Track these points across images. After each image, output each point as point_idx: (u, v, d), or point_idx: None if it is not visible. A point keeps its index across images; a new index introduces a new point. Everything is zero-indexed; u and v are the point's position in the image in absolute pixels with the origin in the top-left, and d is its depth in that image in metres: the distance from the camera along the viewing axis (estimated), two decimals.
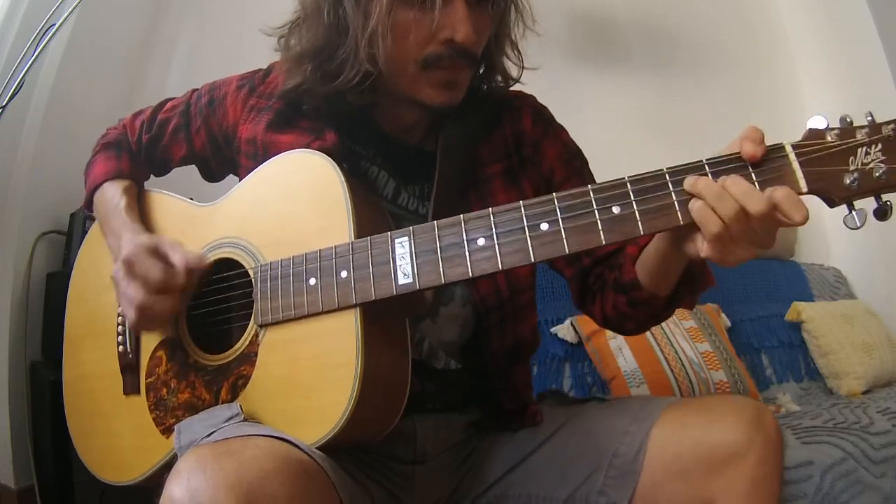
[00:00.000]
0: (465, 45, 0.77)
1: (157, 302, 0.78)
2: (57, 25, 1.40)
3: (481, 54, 0.85)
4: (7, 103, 1.39)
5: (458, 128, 0.89)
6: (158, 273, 0.78)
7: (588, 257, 0.90)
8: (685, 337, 1.86)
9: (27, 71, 1.40)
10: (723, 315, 2.09)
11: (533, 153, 0.92)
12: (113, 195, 0.94)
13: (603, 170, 0.89)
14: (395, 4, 0.76)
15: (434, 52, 0.78)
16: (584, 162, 0.95)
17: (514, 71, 0.92)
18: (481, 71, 0.90)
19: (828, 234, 2.71)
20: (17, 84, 1.39)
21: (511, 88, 0.94)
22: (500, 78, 0.91)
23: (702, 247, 0.64)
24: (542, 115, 0.96)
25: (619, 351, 1.77)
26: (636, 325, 0.86)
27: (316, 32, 0.82)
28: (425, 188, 0.88)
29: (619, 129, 2.44)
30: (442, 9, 0.76)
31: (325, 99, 0.85)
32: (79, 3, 1.39)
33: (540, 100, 0.99)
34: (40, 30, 1.40)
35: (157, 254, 0.80)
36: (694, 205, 0.62)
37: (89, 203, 1.00)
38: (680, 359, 1.79)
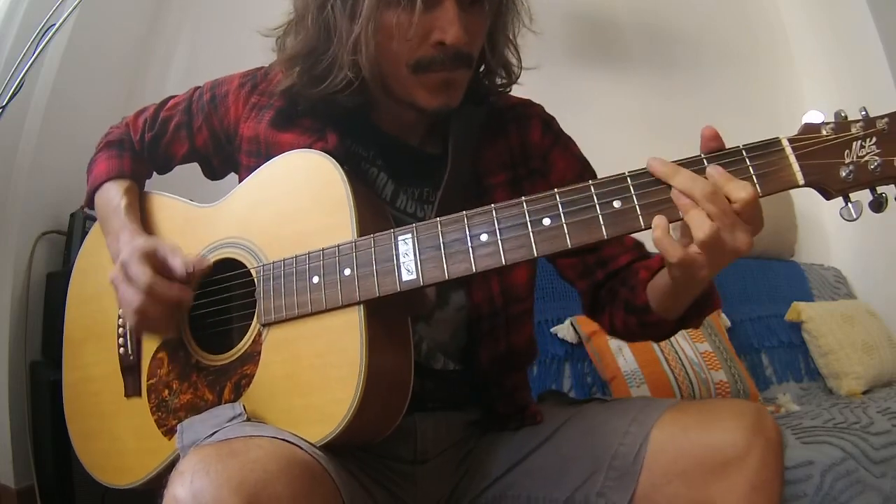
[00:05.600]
0: (455, 46, 0.76)
1: (153, 306, 0.78)
2: (57, 25, 1.39)
3: (479, 54, 0.84)
4: (7, 103, 1.39)
5: (465, 133, 0.87)
6: (154, 277, 0.77)
7: (601, 270, 0.91)
8: (685, 337, 1.86)
9: (27, 71, 1.39)
10: (723, 315, 2.09)
11: (542, 164, 0.92)
12: (113, 196, 0.94)
13: (603, 170, 0.88)
14: (382, 8, 0.75)
15: (425, 55, 0.77)
16: (594, 174, 0.95)
17: (513, 71, 0.91)
18: (481, 70, 0.90)
19: (828, 234, 2.72)
20: (17, 84, 1.38)
21: (513, 92, 0.94)
22: (500, 78, 0.91)
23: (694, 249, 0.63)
24: (551, 127, 0.95)
25: (619, 351, 1.77)
26: (644, 339, 0.91)
27: (305, 35, 0.82)
28: (424, 192, 0.88)
29: (619, 129, 2.44)
30: (432, 11, 0.75)
31: (318, 101, 0.85)
32: (79, 3, 1.38)
33: (540, 100, 0.98)
34: (40, 30, 1.40)
35: (155, 257, 0.80)
36: (688, 212, 0.62)
37: (90, 202, 1.00)
38: (680, 359, 1.79)
